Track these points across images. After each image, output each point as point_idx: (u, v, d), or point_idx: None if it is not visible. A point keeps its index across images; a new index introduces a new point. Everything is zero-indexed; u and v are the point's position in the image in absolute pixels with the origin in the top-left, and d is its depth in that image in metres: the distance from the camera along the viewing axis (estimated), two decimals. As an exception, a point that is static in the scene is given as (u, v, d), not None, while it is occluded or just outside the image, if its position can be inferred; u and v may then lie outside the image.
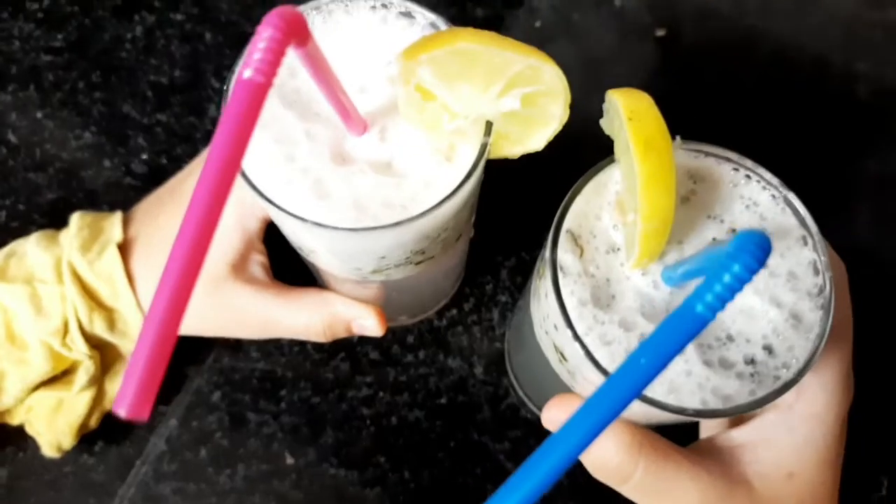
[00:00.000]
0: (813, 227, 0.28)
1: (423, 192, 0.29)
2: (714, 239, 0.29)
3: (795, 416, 0.30)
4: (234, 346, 0.47)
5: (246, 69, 0.21)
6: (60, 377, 0.40)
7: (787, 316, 0.27)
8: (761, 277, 0.28)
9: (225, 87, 0.30)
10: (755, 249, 0.19)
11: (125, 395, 0.18)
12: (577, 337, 0.27)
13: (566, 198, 0.29)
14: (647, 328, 0.27)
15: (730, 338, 0.27)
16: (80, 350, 0.38)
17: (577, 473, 0.34)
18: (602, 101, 0.57)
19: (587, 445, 0.19)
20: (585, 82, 0.56)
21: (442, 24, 0.31)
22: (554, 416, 0.31)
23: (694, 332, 0.20)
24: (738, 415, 0.27)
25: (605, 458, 0.30)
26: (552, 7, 0.57)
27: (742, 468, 0.30)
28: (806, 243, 0.28)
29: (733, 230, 0.29)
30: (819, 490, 0.30)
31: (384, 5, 0.32)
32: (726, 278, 0.19)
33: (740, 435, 0.31)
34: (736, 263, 0.19)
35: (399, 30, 0.32)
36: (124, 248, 0.40)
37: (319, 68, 0.25)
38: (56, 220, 0.49)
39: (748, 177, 0.30)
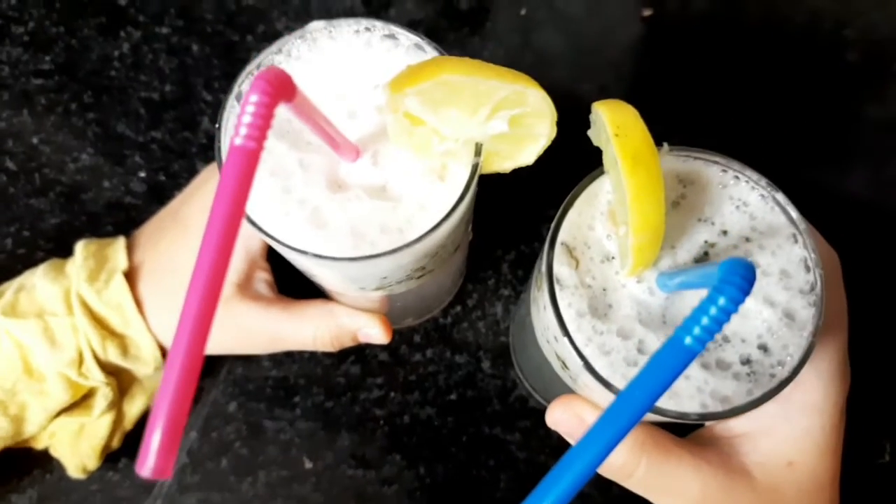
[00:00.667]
0: (802, 224, 0.29)
1: (419, 215, 0.30)
2: (706, 241, 0.29)
3: (793, 406, 0.31)
4: (247, 357, 0.48)
5: (237, 137, 0.21)
6: (80, 402, 0.41)
7: (780, 315, 0.28)
8: None
9: (217, 125, 0.30)
10: (740, 281, 0.20)
11: (147, 456, 0.19)
12: (576, 349, 0.27)
13: (559, 211, 0.30)
14: (645, 335, 0.28)
15: (725, 339, 0.28)
16: (96, 378, 0.39)
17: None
18: (590, 87, 0.57)
19: (588, 475, 0.20)
20: (574, 68, 0.56)
21: (426, 46, 0.32)
22: (557, 418, 0.32)
23: (684, 365, 0.20)
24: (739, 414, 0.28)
25: (609, 457, 0.31)
26: (536, -6, 0.57)
27: (741, 458, 0.31)
28: (796, 241, 0.29)
29: (724, 232, 0.29)
30: (820, 477, 0.31)
31: (367, 28, 0.32)
32: (713, 311, 0.20)
33: (739, 425, 0.32)
34: (722, 296, 0.20)
35: (384, 52, 0.32)
36: (130, 275, 0.40)
37: (308, 115, 0.25)
38: (62, 245, 0.50)
39: (737, 178, 0.30)
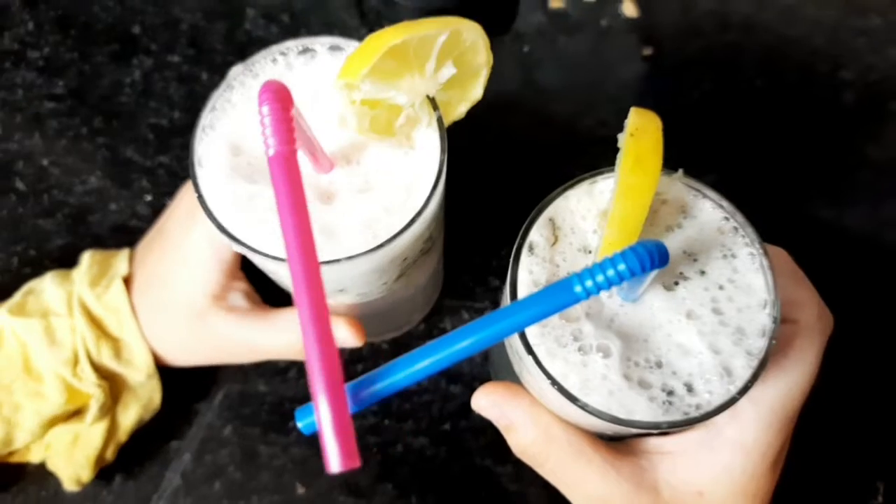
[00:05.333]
0: (775, 296, 0.29)
1: (416, 183, 0.32)
2: (681, 273, 0.30)
3: (721, 439, 0.31)
4: (243, 381, 0.48)
5: (269, 149, 0.24)
6: (75, 414, 0.42)
7: (718, 364, 0.28)
8: (711, 322, 0.29)
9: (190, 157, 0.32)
10: (646, 257, 0.22)
11: (331, 454, 0.22)
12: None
13: (558, 189, 0.31)
14: (586, 327, 0.29)
15: (658, 364, 0.29)
16: (89, 380, 0.40)
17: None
18: (591, 122, 0.58)
19: (442, 366, 0.25)
20: (575, 105, 0.57)
21: (342, 43, 0.34)
22: (482, 404, 0.34)
23: (565, 306, 0.23)
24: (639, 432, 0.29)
25: (523, 444, 0.33)
26: (539, 31, 0.58)
27: (656, 475, 0.32)
28: (764, 307, 0.29)
29: (703, 272, 0.30)
30: None
31: (282, 53, 0.34)
32: (610, 272, 0.22)
33: (667, 443, 0.33)
34: (623, 263, 0.22)
35: (302, 66, 0.34)
36: (128, 283, 0.42)
37: (300, 126, 0.27)
38: (67, 265, 0.50)
39: (735, 229, 0.31)
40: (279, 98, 0.24)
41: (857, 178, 0.55)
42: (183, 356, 0.43)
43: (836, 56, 0.58)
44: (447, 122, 0.33)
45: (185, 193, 0.43)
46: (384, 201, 0.32)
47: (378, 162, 0.33)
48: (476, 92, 0.34)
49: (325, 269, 0.31)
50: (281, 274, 0.34)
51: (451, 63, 0.30)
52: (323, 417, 0.23)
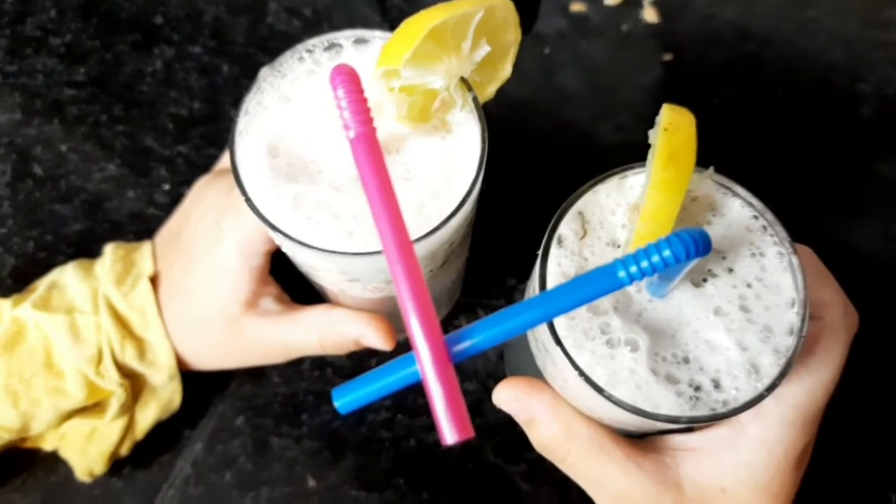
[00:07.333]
0: (804, 294, 0.29)
1: (457, 165, 0.32)
2: (709, 270, 0.30)
3: (745, 437, 0.31)
4: (256, 373, 0.48)
5: (349, 131, 0.24)
6: (93, 407, 0.42)
7: (745, 361, 0.28)
8: (739, 319, 0.29)
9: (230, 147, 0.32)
10: (690, 243, 0.22)
11: (445, 427, 0.23)
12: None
13: (588, 184, 0.31)
14: (614, 321, 0.29)
15: (686, 360, 0.29)
16: (112, 378, 0.40)
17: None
18: (608, 127, 0.58)
19: (491, 344, 0.25)
20: (593, 107, 0.57)
21: (367, 34, 0.34)
22: (503, 398, 0.33)
23: (609, 290, 0.24)
24: (668, 426, 0.29)
25: (545, 438, 0.33)
26: (559, 34, 0.58)
27: (679, 472, 0.32)
28: (793, 306, 0.29)
29: (730, 270, 0.30)
30: None
31: (308, 51, 0.34)
32: (654, 258, 0.22)
33: (690, 440, 0.33)
34: (668, 249, 0.22)
35: (328, 61, 0.34)
36: (153, 283, 0.42)
37: None
38: (82, 251, 0.51)
39: (764, 228, 0.31)
40: (353, 80, 0.24)
41: (872, 191, 0.55)
42: (218, 362, 0.44)
43: (854, 69, 0.58)
44: (482, 101, 0.33)
45: (196, 200, 0.43)
46: (429, 186, 0.32)
47: (416, 149, 0.33)
48: (505, 71, 0.33)
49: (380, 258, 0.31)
50: (326, 269, 0.34)
51: (485, 41, 0.30)
52: (434, 391, 0.23)
